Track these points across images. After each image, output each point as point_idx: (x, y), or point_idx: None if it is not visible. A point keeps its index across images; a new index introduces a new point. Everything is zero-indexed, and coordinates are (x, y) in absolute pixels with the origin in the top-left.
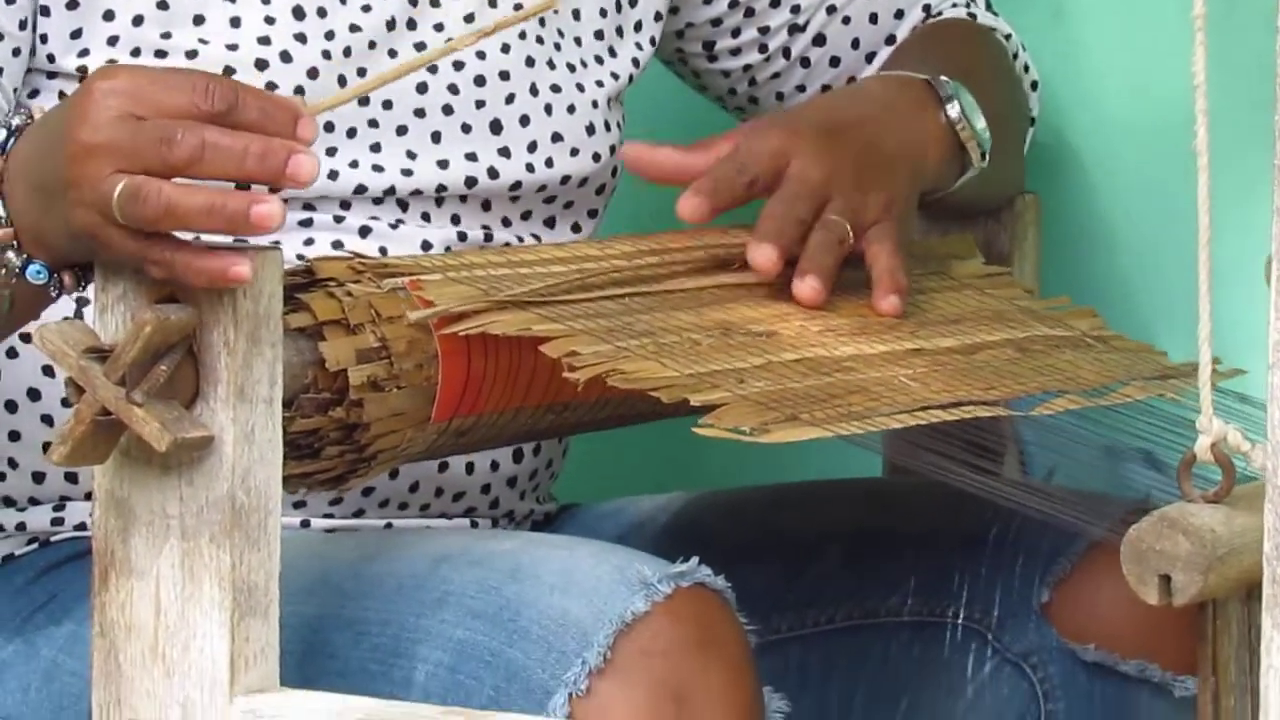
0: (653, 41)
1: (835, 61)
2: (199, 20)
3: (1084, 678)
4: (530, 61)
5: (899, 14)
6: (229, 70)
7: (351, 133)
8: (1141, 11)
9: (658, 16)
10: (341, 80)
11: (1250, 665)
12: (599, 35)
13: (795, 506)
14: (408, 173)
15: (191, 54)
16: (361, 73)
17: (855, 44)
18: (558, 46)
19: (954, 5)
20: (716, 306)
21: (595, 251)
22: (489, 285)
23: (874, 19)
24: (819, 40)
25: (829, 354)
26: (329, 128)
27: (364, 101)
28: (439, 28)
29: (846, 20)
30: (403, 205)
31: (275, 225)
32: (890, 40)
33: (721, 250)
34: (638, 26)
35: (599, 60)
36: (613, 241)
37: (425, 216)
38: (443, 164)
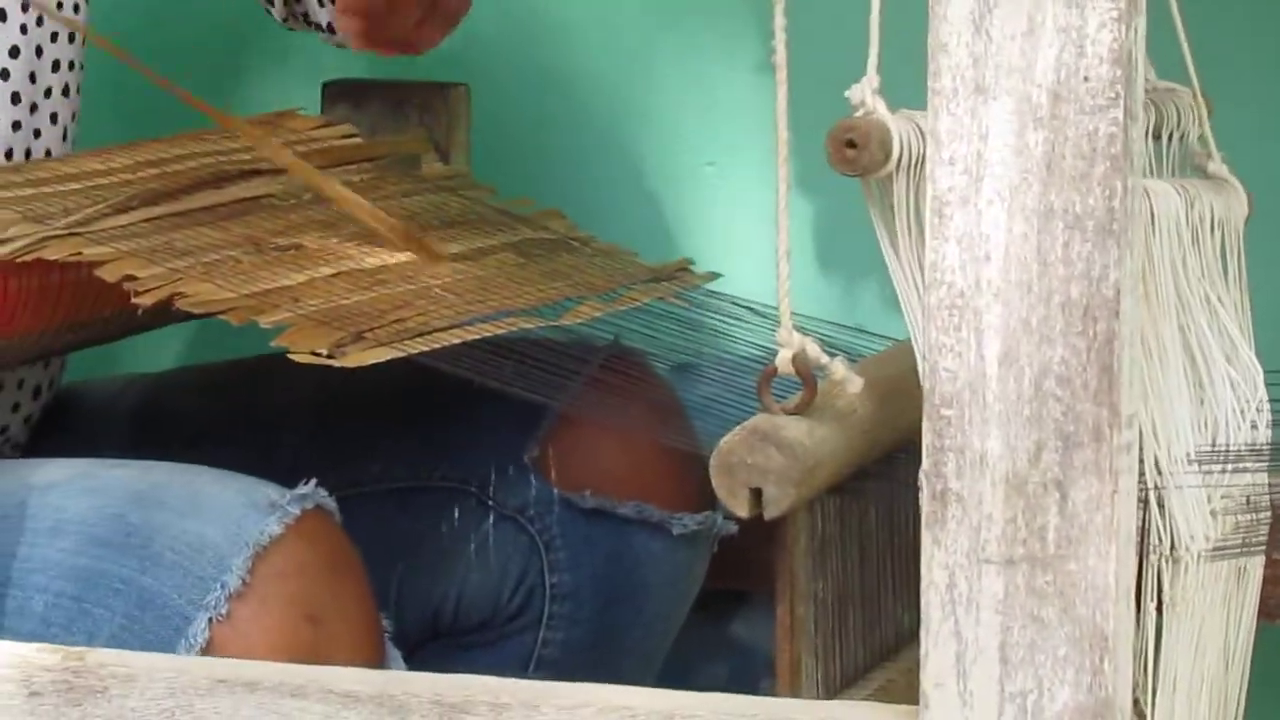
0: None
1: None
2: None
3: (583, 524)
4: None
5: None
6: None
7: None
8: None
9: None
10: None
11: (819, 573)
12: None
13: (261, 380)
14: None
15: None
16: None
17: None
18: None
19: None
20: (236, 221)
21: (99, 165)
22: (22, 208)
23: None
24: None
25: (359, 266)
26: None
27: None
28: None
29: None
30: None
31: None
32: None
33: (213, 161)
34: None
35: None
36: (110, 153)
37: None
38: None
